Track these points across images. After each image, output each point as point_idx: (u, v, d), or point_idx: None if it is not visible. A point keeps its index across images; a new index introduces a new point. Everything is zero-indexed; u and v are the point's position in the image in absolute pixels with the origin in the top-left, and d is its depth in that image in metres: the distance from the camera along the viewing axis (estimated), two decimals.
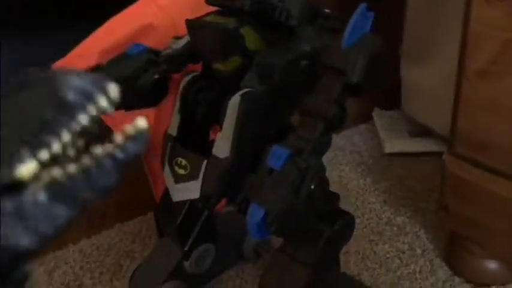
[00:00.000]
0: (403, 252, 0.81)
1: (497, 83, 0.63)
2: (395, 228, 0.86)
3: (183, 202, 0.69)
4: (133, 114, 0.73)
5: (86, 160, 0.24)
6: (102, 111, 0.24)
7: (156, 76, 0.63)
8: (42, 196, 0.23)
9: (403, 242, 0.83)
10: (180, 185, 0.62)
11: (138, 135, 0.25)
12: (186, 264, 0.73)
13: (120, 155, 0.25)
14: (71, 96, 0.23)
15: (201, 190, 0.60)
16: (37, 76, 0.24)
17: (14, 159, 0.22)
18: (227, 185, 0.60)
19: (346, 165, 1.01)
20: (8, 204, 0.22)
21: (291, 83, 0.59)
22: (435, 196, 0.91)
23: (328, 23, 0.61)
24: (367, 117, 1.14)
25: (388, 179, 0.97)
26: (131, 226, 0.90)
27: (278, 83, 0.59)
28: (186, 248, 0.72)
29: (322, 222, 0.60)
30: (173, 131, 0.65)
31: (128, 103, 0.63)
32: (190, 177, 0.61)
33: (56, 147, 0.23)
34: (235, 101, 0.58)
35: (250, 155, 0.59)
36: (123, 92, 0.25)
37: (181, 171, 0.62)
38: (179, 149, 0.63)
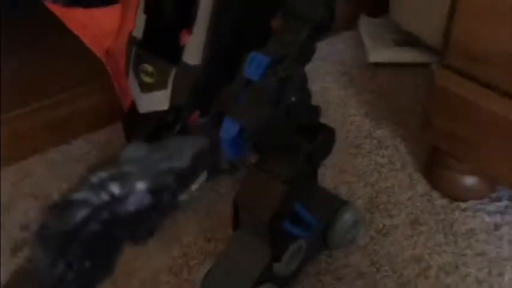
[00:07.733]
0: (382, 166, 0.79)
1: None
2: (375, 141, 0.83)
3: (153, 112, 0.63)
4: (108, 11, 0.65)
5: None
6: None
7: None
8: None
9: (383, 156, 0.80)
10: (147, 95, 0.56)
11: None
12: None
13: None
14: None
15: (170, 101, 0.55)
16: None
17: None
18: (199, 96, 0.54)
19: (327, 75, 0.96)
20: None
21: None
22: (419, 109, 0.87)
23: None
24: (351, 24, 1.06)
25: (371, 91, 0.93)
26: (100, 136, 0.85)
27: None
28: None
29: (301, 137, 0.56)
30: (138, 33, 0.57)
31: None
32: (158, 86, 0.55)
33: None
34: None
35: (225, 62, 0.53)
36: None
37: (148, 79, 0.56)
38: (145, 54, 0.56)
